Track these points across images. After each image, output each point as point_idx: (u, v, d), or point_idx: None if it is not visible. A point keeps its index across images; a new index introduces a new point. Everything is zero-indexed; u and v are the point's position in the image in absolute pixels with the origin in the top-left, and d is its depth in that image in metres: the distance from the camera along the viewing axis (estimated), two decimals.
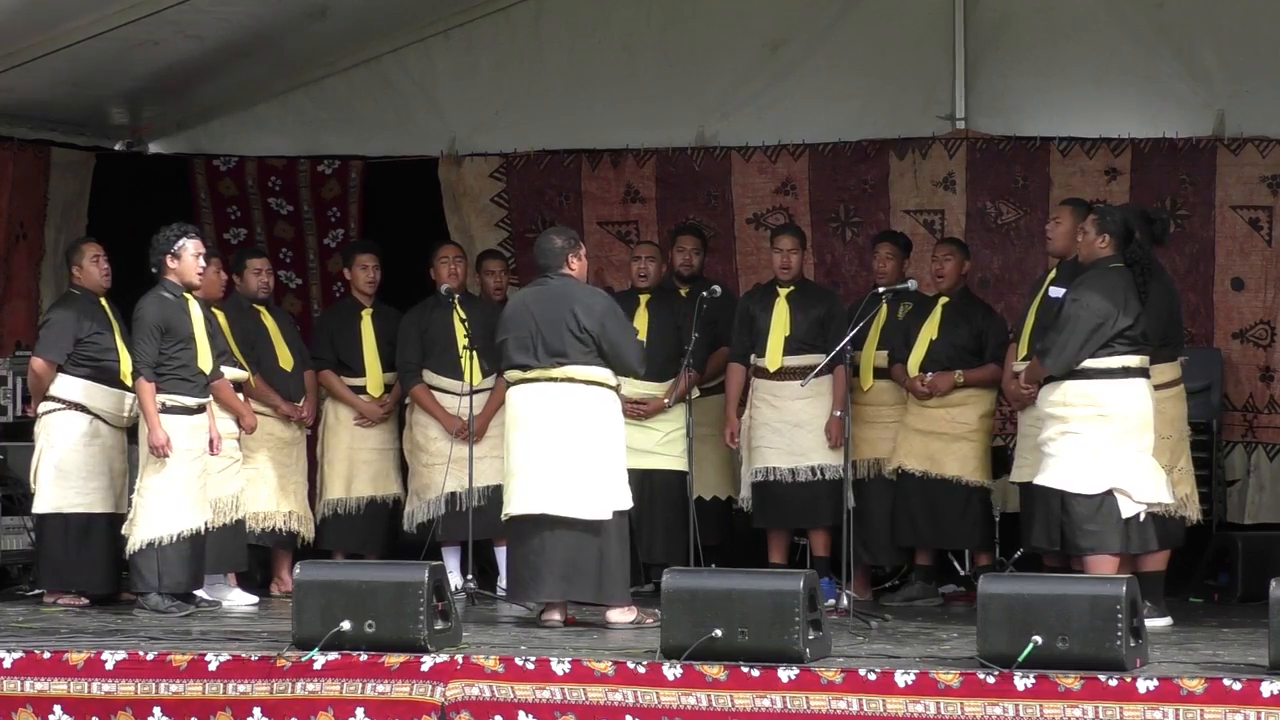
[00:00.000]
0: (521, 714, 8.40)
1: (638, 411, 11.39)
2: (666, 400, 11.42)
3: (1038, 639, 8.08)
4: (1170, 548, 10.38)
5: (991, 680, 8.07)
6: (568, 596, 10.05)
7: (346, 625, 8.67)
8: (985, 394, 11.38)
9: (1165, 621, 10.11)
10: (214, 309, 11.41)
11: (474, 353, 11.44)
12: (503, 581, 11.66)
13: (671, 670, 8.35)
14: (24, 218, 13.07)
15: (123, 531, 10.85)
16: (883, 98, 12.91)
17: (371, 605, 8.70)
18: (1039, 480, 10.12)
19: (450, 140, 13.54)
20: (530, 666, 8.48)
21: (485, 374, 11.64)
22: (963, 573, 11.90)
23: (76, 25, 11.44)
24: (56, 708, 8.77)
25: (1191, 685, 7.86)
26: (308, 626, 8.75)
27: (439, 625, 8.78)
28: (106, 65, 12.11)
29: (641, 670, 8.37)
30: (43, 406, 11.23)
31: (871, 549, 11.50)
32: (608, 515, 10.05)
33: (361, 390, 11.97)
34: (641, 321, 11.52)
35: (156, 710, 8.70)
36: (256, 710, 8.63)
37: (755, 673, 8.27)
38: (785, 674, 8.24)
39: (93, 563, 11.15)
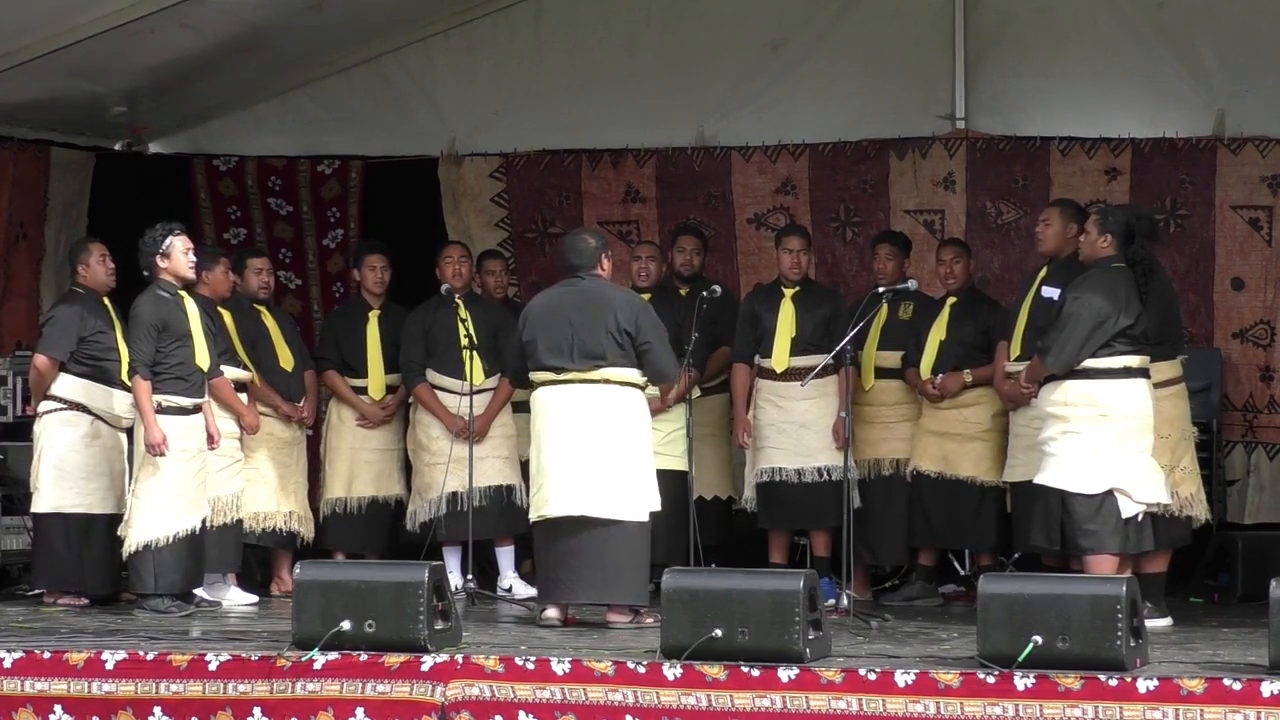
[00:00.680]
0: (521, 714, 8.40)
1: None
2: (669, 400, 11.40)
3: (1038, 639, 8.08)
4: (1174, 548, 10.38)
5: (991, 680, 8.07)
6: (603, 599, 10.01)
7: (346, 625, 8.67)
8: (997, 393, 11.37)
9: (1165, 621, 10.11)
10: (220, 309, 11.42)
11: (474, 353, 11.44)
12: (503, 582, 11.69)
13: (671, 670, 8.35)
14: (24, 218, 13.07)
15: (119, 533, 10.85)
16: (883, 98, 12.91)
17: (371, 605, 8.69)
18: (1039, 479, 10.12)
19: (450, 140, 13.54)
20: (530, 666, 8.48)
21: (487, 374, 11.64)
22: (963, 573, 11.91)
23: (77, 25, 11.45)
24: (57, 708, 8.77)
25: (1191, 685, 7.86)
26: (308, 626, 8.75)
27: (439, 625, 8.78)
28: (104, 59, 12.11)
29: (641, 670, 8.37)
30: (43, 406, 11.22)
31: (873, 549, 11.50)
32: (644, 517, 10.06)
33: (363, 391, 11.97)
34: None
35: (157, 710, 8.70)
36: (256, 710, 8.63)
37: (755, 673, 8.27)
38: (785, 674, 8.24)
39: (93, 563, 11.15)
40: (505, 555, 11.77)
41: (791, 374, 11.37)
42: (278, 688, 8.63)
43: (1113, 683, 7.93)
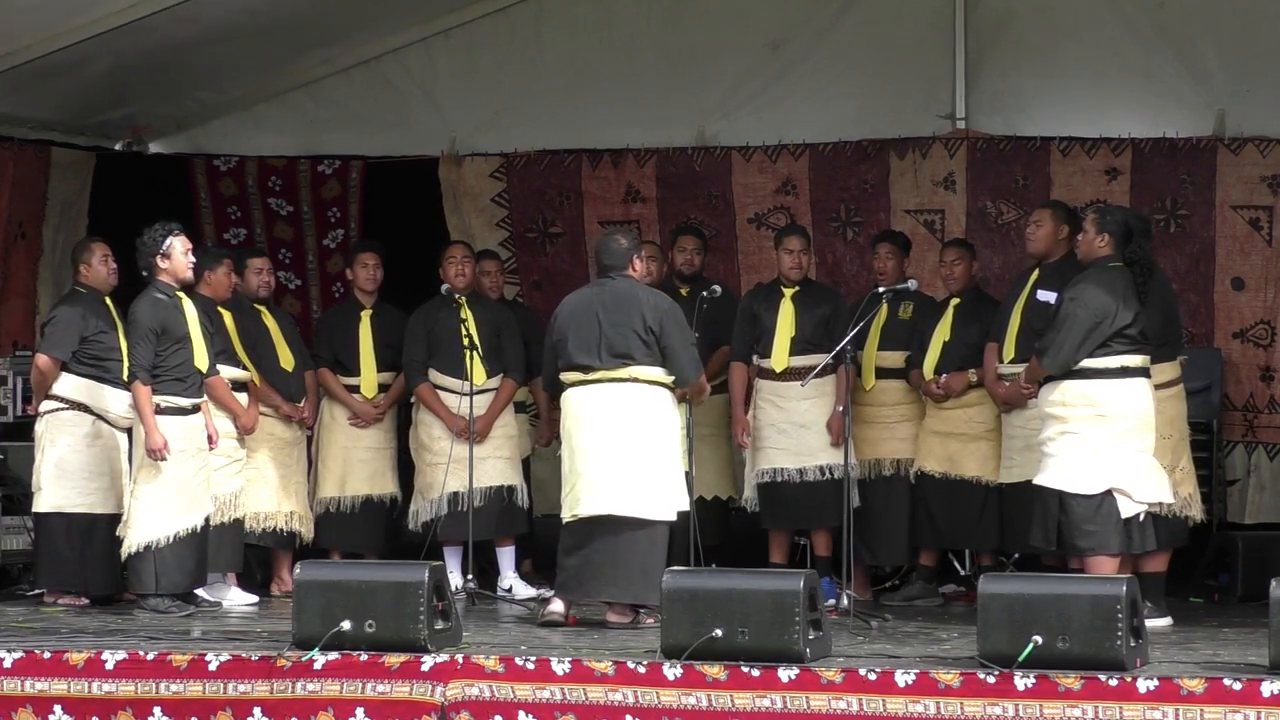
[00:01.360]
0: (521, 714, 8.40)
1: None
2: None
3: (1038, 639, 8.08)
4: (1172, 548, 10.38)
5: (991, 680, 8.07)
6: (632, 599, 10.00)
7: (346, 625, 8.67)
8: None
9: (1165, 621, 10.11)
10: (220, 309, 11.42)
11: (475, 353, 11.44)
12: (503, 582, 11.69)
13: (671, 670, 8.35)
14: (24, 218, 13.07)
15: (118, 533, 10.85)
16: (883, 97, 12.91)
17: (372, 605, 8.69)
18: (1038, 480, 10.12)
19: (450, 140, 13.54)
20: (530, 666, 8.48)
21: (489, 374, 11.64)
22: (963, 573, 11.90)
23: (77, 25, 11.45)
24: (56, 708, 8.77)
25: (1191, 685, 7.86)
26: (308, 626, 8.75)
27: (439, 625, 8.78)
28: (104, 59, 12.11)
29: (641, 670, 8.37)
30: (44, 405, 11.22)
31: (873, 548, 11.50)
32: (673, 516, 10.08)
33: (356, 390, 11.97)
34: None
35: (156, 710, 8.70)
36: (256, 710, 8.63)
37: (755, 673, 8.27)
38: (785, 674, 8.24)
39: (94, 563, 11.14)
40: (505, 555, 11.77)
41: (791, 374, 11.36)
42: (278, 688, 8.63)
43: (1113, 683, 7.93)
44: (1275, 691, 7.80)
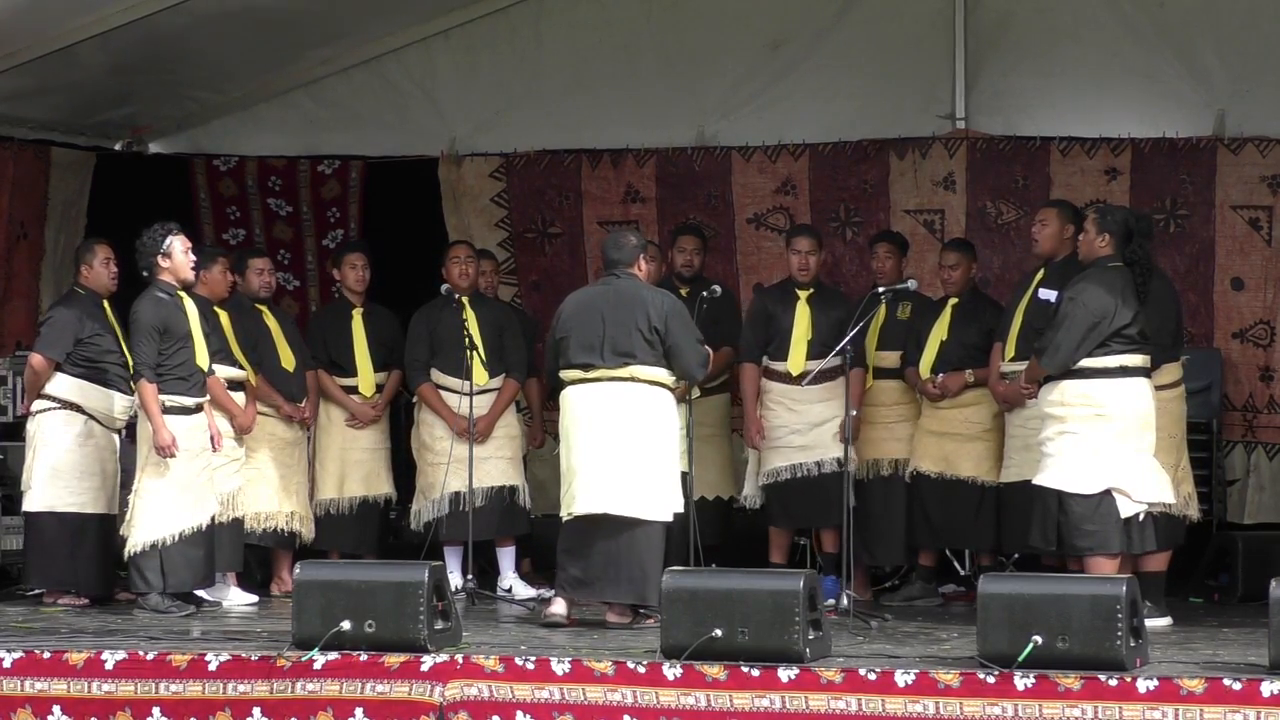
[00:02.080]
0: (519, 714, 8.40)
1: None
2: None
3: (1038, 639, 8.08)
4: (1171, 547, 10.38)
5: (991, 680, 8.07)
6: (628, 598, 9.99)
7: (346, 625, 8.67)
8: None
9: (1165, 621, 10.11)
10: (216, 309, 11.42)
11: (475, 353, 11.43)
12: (503, 582, 11.68)
13: (671, 670, 8.35)
14: (24, 218, 13.07)
15: (121, 533, 10.85)
16: (883, 98, 12.91)
17: (371, 605, 8.69)
18: (1037, 480, 10.12)
19: (450, 140, 13.54)
20: (530, 666, 8.47)
21: (491, 374, 11.64)
22: (963, 573, 11.90)
23: (77, 25, 11.45)
24: (56, 708, 8.76)
25: (1191, 685, 7.86)
26: (308, 626, 8.75)
27: (439, 625, 8.78)
28: (104, 58, 12.10)
29: (641, 670, 8.37)
30: (36, 405, 11.23)
31: (871, 549, 11.49)
32: (669, 517, 10.07)
33: (354, 390, 11.97)
34: None
35: (156, 710, 8.70)
36: (256, 710, 8.63)
37: (755, 673, 8.27)
38: (785, 674, 8.24)
39: (86, 562, 11.14)
40: (506, 556, 11.76)
41: (805, 377, 11.32)
42: (277, 688, 8.63)
43: (1113, 683, 7.93)
44: (1275, 691, 7.80)
